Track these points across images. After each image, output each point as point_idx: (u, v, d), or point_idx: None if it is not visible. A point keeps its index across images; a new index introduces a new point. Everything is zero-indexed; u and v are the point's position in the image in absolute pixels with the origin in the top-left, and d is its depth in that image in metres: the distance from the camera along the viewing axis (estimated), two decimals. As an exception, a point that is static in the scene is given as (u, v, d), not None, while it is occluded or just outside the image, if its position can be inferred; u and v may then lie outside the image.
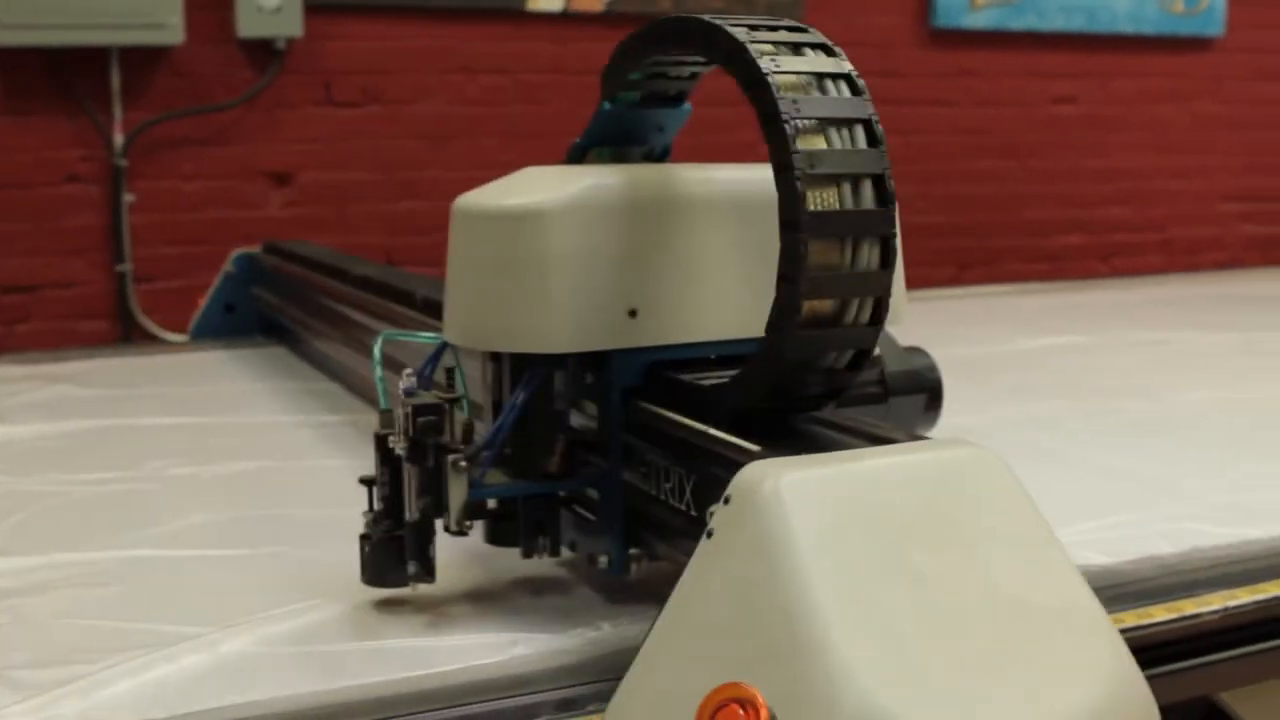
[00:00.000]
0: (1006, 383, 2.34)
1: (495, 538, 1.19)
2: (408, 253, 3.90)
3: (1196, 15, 4.98)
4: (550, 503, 1.18)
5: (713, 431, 1.05)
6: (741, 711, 0.77)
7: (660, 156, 1.30)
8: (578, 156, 1.29)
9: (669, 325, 1.12)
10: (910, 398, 1.38)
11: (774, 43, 1.00)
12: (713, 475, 1.00)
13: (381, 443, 1.14)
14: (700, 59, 1.14)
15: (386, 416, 1.15)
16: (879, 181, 0.98)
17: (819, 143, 0.96)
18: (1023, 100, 4.70)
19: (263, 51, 3.63)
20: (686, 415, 1.09)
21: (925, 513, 0.87)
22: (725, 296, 1.14)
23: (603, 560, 1.17)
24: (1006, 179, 4.71)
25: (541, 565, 1.25)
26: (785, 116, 0.95)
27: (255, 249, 2.97)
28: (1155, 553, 1.33)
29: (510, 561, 1.23)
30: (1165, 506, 1.50)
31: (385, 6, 3.78)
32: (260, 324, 2.83)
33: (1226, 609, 1.21)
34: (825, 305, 0.97)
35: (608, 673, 1.03)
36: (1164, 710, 0.90)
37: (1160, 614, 1.18)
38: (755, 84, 0.97)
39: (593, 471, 1.17)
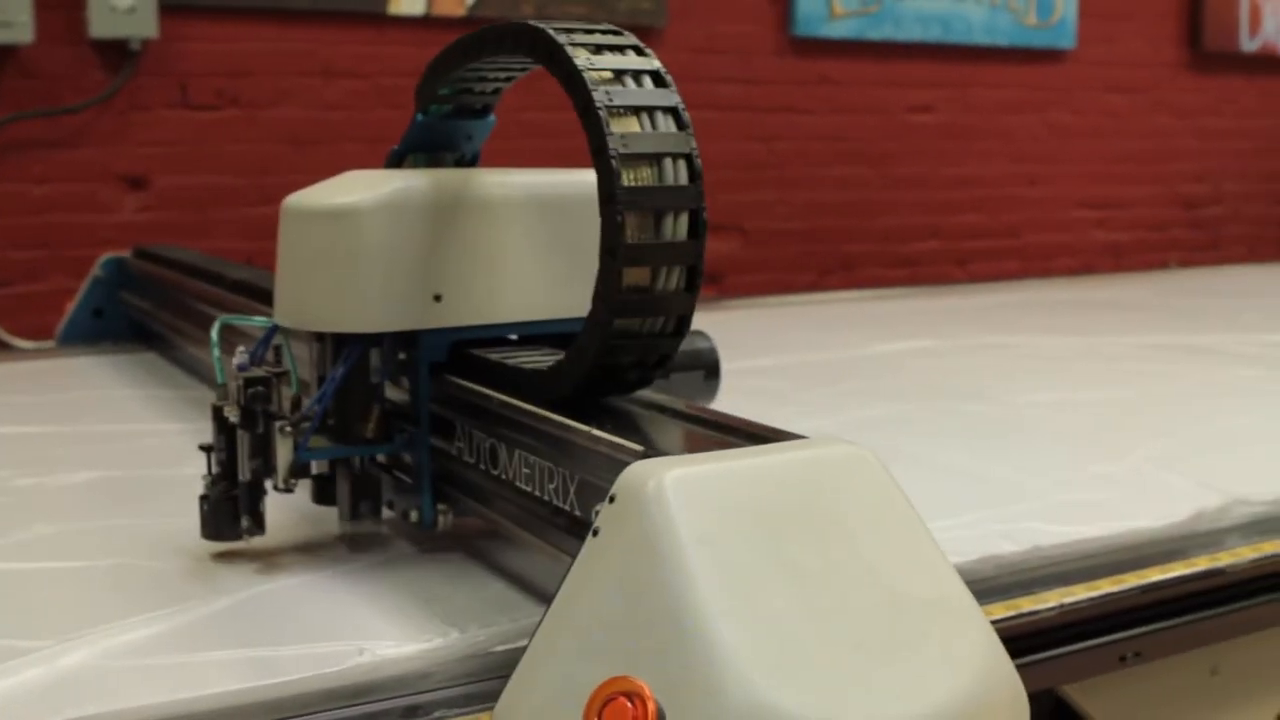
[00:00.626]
0: (862, 386, 2.38)
1: (321, 498, 1.35)
2: (269, 258, 3.84)
3: (1049, 28, 5.11)
4: (371, 467, 1.34)
5: (561, 419, 1.13)
6: (629, 704, 0.79)
7: (470, 162, 1.44)
8: (395, 162, 1.41)
9: (470, 308, 1.29)
10: (691, 373, 1.59)
11: (589, 45, 1.11)
12: (577, 464, 1.10)
13: (218, 413, 1.29)
14: (504, 74, 1.30)
15: (222, 390, 1.30)
16: (689, 160, 1.08)
17: (632, 126, 1.07)
18: (881, 108, 4.78)
19: (116, 52, 3.56)
20: (493, 388, 1.22)
21: (805, 509, 0.90)
22: (521, 283, 1.31)
23: (413, 515, 1.33)
24: (865, 186, 4.79)
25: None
26: (599, 104, 1.06)
27: (124, 253, 2.91)
28: (997, 552, 1.37)
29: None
30: (1008, 506, 1.54)
31: (243, 8, 3.73)
32: (130, 329, 2.78)
33: (1063, 605, 1.25)
34: (643, 274, 1.07)
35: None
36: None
37: (999, 611, 1.21)
38: (571, 77, 1.08)
39: (405, 437, 1.32)
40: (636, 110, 1.08)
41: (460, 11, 4.01)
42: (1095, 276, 5.07)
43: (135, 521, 1.49)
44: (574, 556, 0.92)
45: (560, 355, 1.18)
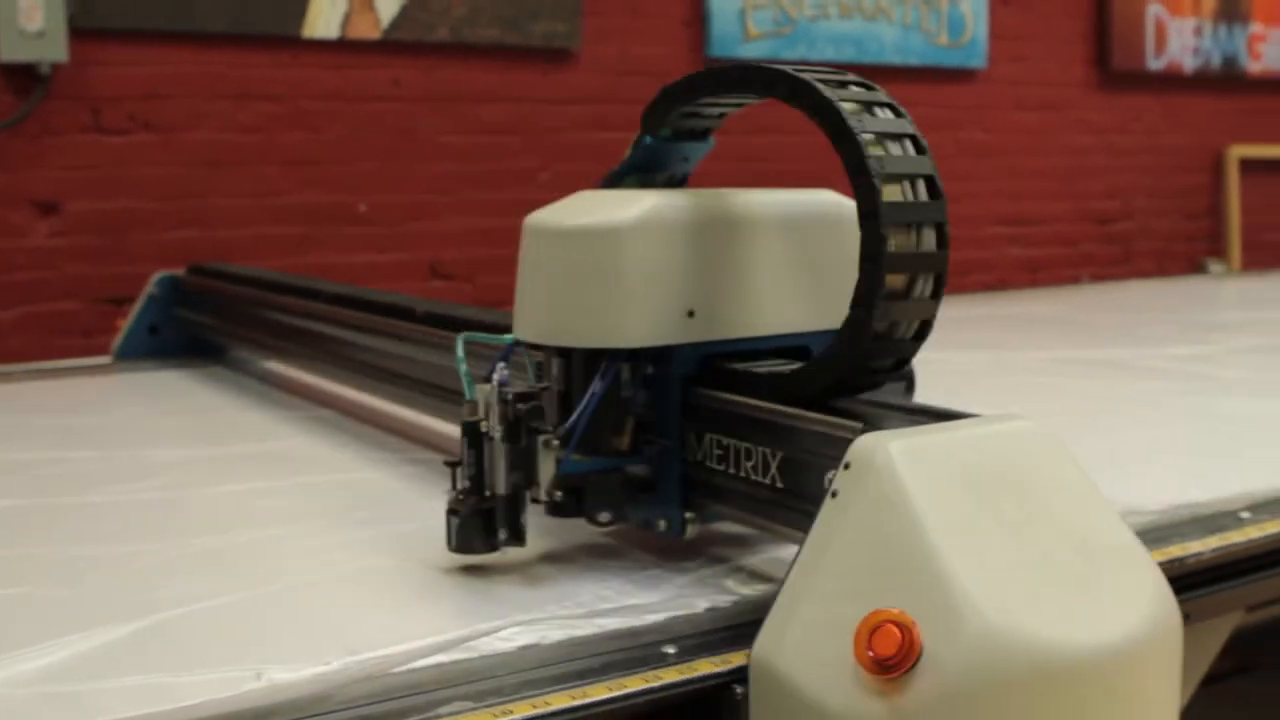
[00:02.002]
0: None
1: (557, 510, 1.34)
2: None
3: (960, 48, 5.20)
4: (616, 478, 1.35)
5: (796, 411, 1.23)
6: (896, 629, 0.94)
7: (681, 182, 1.50)
8: (615, 181, 1.47)
9: (721, 323, 1.33)
10: (895, 384, 1.64)
11: (826, 80, 1.22)
12: (801, 449, 1.21)
13: (471, 428, 1.30)
14: (734, 104, 1.38)
15: (472, 406, 1.30)
16: (930, 181, 1.20)
17: (880, 150, 1.18)
18: (798, 129, 4.81)
19: (26, 76, 3.54)
20: (742, 395, 1.29)
21: (1004, 472, 1.07)
22: (767, 299, 1.36)
23: (661, 525, 1.35)
24: (782, 205, 4.84)
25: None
26: (855, 130, 1.17)
27: (179, 271, 2.98)
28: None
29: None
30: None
31: (155, 31, 3.72)
32: (185, 344, 2.88)
33: None
34: (899, 281, 1.18)
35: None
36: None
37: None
38: (824, 109, 1.19)
39: (655, 450, 1.35)
40: (884, 137, 1.19)
41: (376, 34, 4.02)
42: (1011, 292, 5.15)
43: (45, 550, 1.49)
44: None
45: (800, 364, 1.29)
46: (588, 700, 1.07)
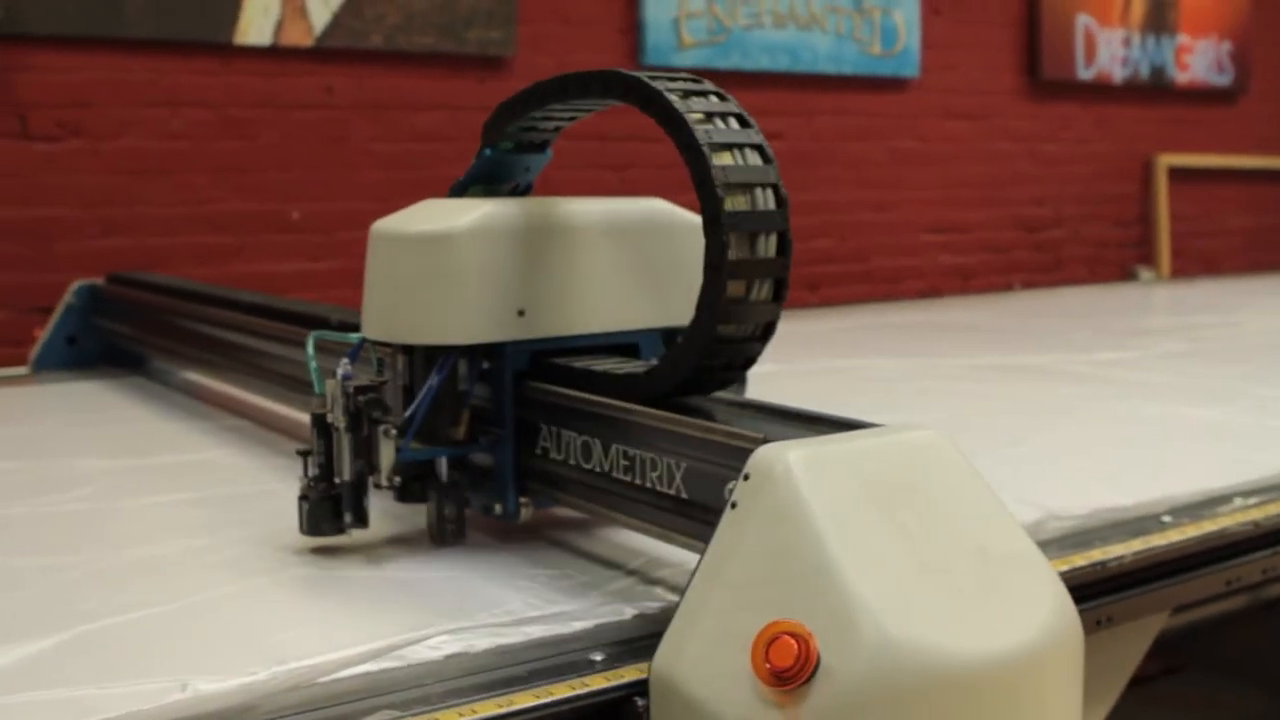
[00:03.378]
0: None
1: (404, 496, 1.43)
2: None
3: (892, 57, 5.24)
4: (459, 464, 1.44)
5: (636, 408, 1.29)
6: (793, 641, 0.95)
7: (525, 191, 1.56)
8: (459, 191, 1.52)
9: (549, 322, 1.42)
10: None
11: (680, 90, 1.26)
12: (633, 440, 1.29)
13: (319, 419, 1.40)
14: (571, 114, 1.44)
15: (320, 400, 1.40)
16: (775, 189, 1.24)
17: (727, 160, 1.22)
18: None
19: (-50, 83, 3.50)
20: (584, 391, 1.36)
21: (902, 480, 1.08)
22: (593, 300, 1.45)
23: (497, 509, 1.45)
24: (717, 212, 4.85)
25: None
26: (701, 141, 1.21)
27: (98, 280, 2.96)
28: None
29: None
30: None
31: (84, 37, 3.68)
32: (104, 354, 2.87)
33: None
34: (740, 286, 1.23)
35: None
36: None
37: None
38: (672, 119, 1.23)
39: (490, 439, 1.44)
40: (729, 146, 1.23)
41: (308, 41, 4.00)
42: (942, 299, 5.19)
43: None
44: (680, 533, 1.21)
45: (636, 362, 1.41)
46: (514, 708, 1.08)
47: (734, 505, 1.07)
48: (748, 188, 1.23)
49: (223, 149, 3.94)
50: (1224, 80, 6.59)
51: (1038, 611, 1.05)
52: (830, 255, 5.14)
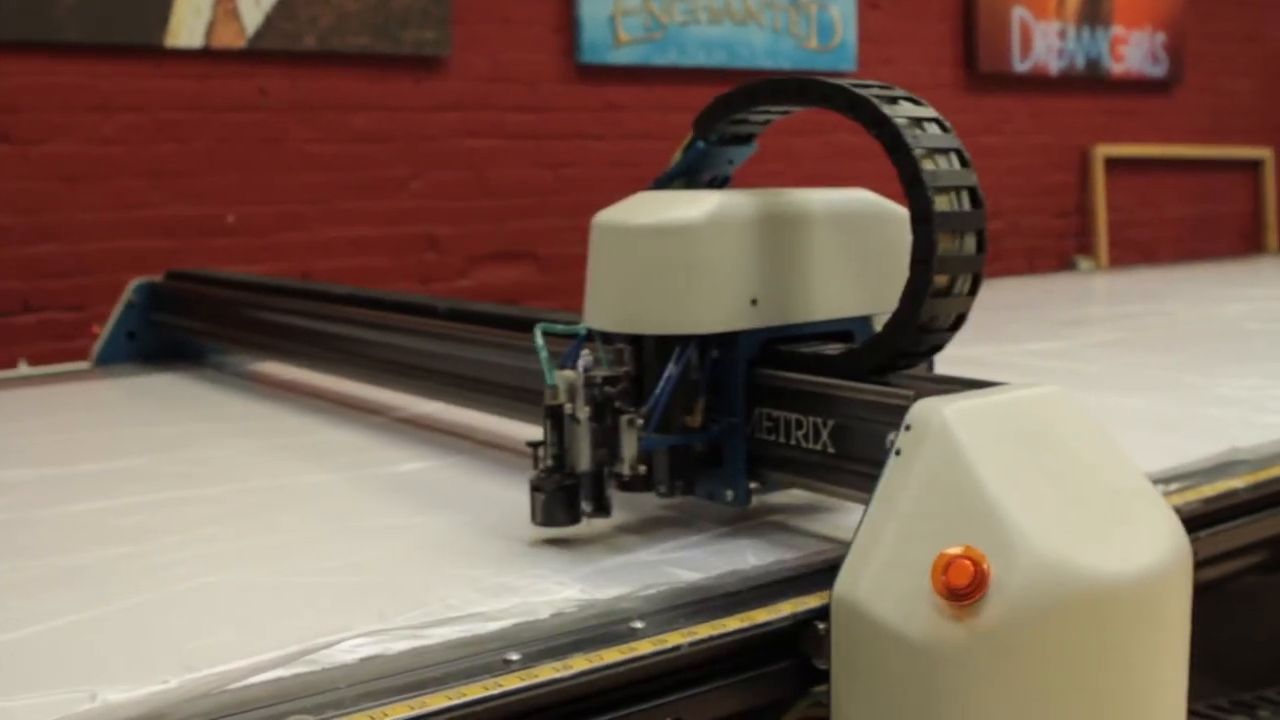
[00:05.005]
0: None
1: (627, 486, 1.44)
2: (46, 297, 3.76)
3: (830, 51, 5.26)
4: (687, 452, 1.47)
5: (851, 384, 1.37)
6: (969, 562, 1.09)
7: (723, 184, 1.59)
8: (666, 182, 1.56)
9: (780, 310, 1.45)
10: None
11: (880, 96, 1.34)
12: (852, 417, 1.36)
13: (554, 410, 1.41)
14: (781, 111, 1.48)
15: (553, 391, 1.41)
16: (973, 191, 1.33)
17: (931, 164, 1.30)
18: (669, 133, 4.86)
19: (-125, 90, 3.45)
20: (801, 373, 1.42)
21: (1037, 429, 1.23)
22: (819, 287, 1.48)
23: (728, 495, 1.47)
24: (657, 209, 4.86)
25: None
26: (911, 146, 1.29)
27: (156, 278, 3.01)
28: (740, 567, 1.40)
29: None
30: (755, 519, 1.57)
31: (12, 41, 3.64)
32: (162, 348, 2.94)
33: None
34: (944, 280, 1.31)
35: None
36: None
37: (734, 624, 1.24)
38: (882, 123, 1.31)
39: (721, 426, 1.46)
40: (933, 151, 1.31)
41: (240, 43, 3.98)
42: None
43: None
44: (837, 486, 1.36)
45: (851, 345, 1.45)
46: (426, 710, 1.07)
47: (898, 453, 1.21)
48: (952, 190, 1.32)
49: (156, 153, 3.91)
50: (1159, 71, 6.66)
51: (1160, 538, 1.21)
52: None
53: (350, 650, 1.17)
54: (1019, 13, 5.99)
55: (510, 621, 1.23)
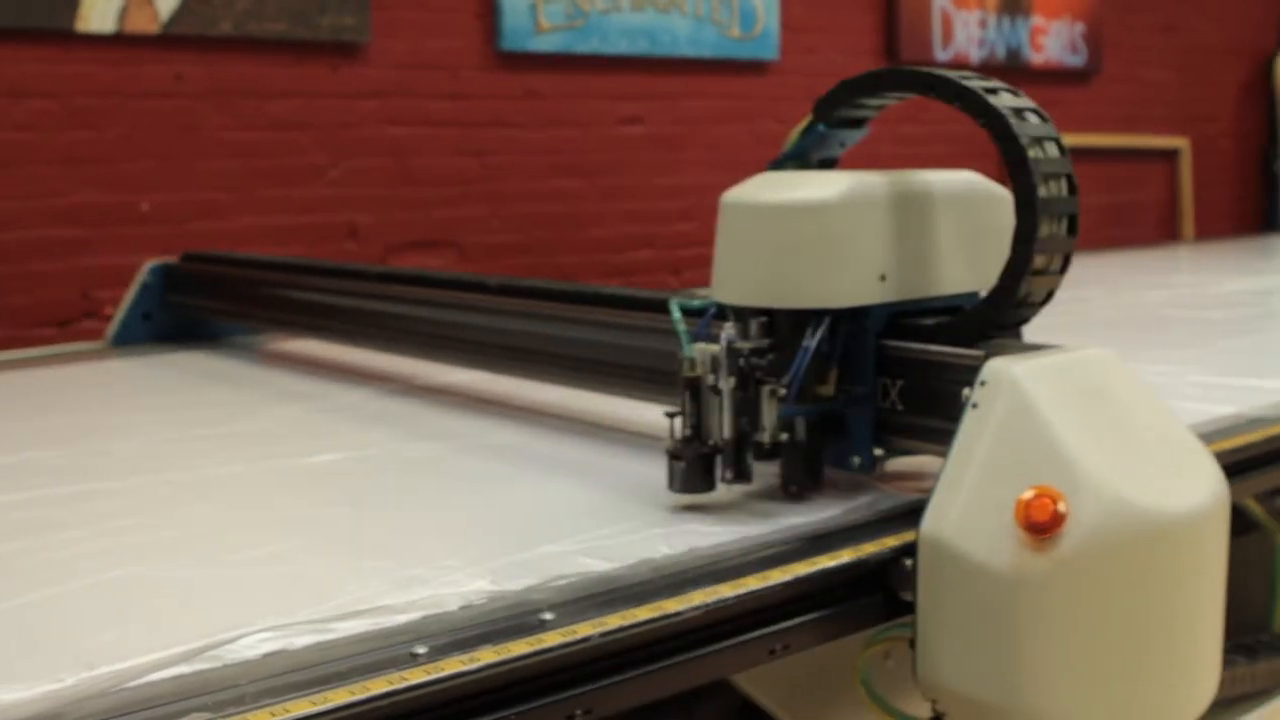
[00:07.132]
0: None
1: (766, 454, 1.49)
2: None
3: (751, 40, 5.27)
4: (823, 422, 1.53)
5: (943, 349, 1.48)
6: (1049, 500, 1.22)
7: (833, 165, 1.67)
8: (782, 164, 1.64)
9: (905, 286, 1.53)
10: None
11: (985, 87, 1.44)
12: (947, 381, 1.46)
13: (691, 381, 1.47)
14: (895, 98, 1.57)
15: (691, 363, 1.46)
16: (1069, 178, 1.43)
17: (1035, 152, 1.40)
18: (591, 121, 4.85)
19: None
20: (918, 342, 1.51)
21: (1094, 385, 1.35)
22: (940, 264, 1.56)
23: (855, 461, 1.55)
24: (578, 198, 4.85)
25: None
26: (1019, 136, 1.39)
27: (171, 259, 3.04)
28: (651, 556, 1.39)
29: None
30: (662, 512, 1.56)
31: (-84, 26, 3.56)
32: (177, 329, 2.99)
33: (708, 605, 1.28)
34: (1041, 260, 1.42)
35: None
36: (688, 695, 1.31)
37: (644, 614, 1.23)
38: (991, 114, 1.42)
39: (849, 395, 1.53)
40: (1036, 140, 1.41)
41: (154, 29, 3.91)
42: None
43: None
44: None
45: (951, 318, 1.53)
46: (329, 705, 1.06)
47: (974, 406, 1.33)
48: (1052, 177, 1.41)
49: (69, 139, 3.84)
50: (1078, 61, 6.73)
51: (1205, 482, 1.35)
52: (693, 239, 5.16)
53: (253, 645, 1.16)
54: (940, 2, 6.03)
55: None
